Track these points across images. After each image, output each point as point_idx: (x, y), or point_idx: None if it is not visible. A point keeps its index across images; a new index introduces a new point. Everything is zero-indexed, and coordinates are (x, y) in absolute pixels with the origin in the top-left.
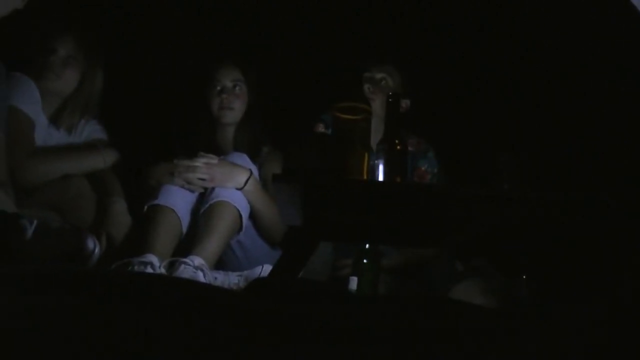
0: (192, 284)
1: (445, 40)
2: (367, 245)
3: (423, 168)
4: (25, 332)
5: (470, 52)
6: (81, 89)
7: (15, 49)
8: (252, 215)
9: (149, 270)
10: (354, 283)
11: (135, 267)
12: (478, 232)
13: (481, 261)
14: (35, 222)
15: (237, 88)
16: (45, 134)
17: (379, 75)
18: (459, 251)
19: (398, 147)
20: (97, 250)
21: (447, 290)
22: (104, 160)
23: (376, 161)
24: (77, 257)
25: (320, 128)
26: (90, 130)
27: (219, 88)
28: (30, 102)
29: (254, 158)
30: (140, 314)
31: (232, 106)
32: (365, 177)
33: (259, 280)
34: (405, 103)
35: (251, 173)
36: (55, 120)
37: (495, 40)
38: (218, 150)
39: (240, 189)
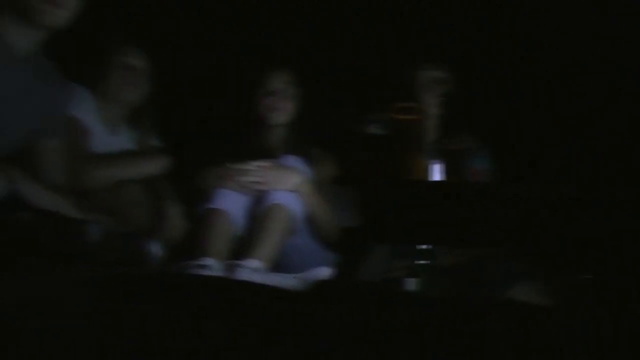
0: (261, 286)
1: (496, 36)
2: (422, 246)
3: (477, 166)
4: (96, 335)
5: (525, 45)
6: (149, 101)
7: (78, 59)
8: (306, 218)
9: (207, 273)
10: (411, 285)
11: (194, 270)
12: (536, 232)
13: (539, 261)
14: (99, 226)
15: (286, 90)
16: (102, 142)
17: (432, 74)
18: (516, 251)
19: (452, 147)
20: (158, 254)
21: (503, 291)
22: (157, 166)
23: (430, 161)
24: (139, 260)
25: (372, 129)
26: (145, 137)
27: (268, 90)
28: (87, 111)
29: (304, 160)
30: (208, 318)
31: (281, 108)
32: (421, 177)
33: (320, 283)
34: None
35: (304, 175)
36: (114, 128)
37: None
38: (270, 153)
39: (293, 192)
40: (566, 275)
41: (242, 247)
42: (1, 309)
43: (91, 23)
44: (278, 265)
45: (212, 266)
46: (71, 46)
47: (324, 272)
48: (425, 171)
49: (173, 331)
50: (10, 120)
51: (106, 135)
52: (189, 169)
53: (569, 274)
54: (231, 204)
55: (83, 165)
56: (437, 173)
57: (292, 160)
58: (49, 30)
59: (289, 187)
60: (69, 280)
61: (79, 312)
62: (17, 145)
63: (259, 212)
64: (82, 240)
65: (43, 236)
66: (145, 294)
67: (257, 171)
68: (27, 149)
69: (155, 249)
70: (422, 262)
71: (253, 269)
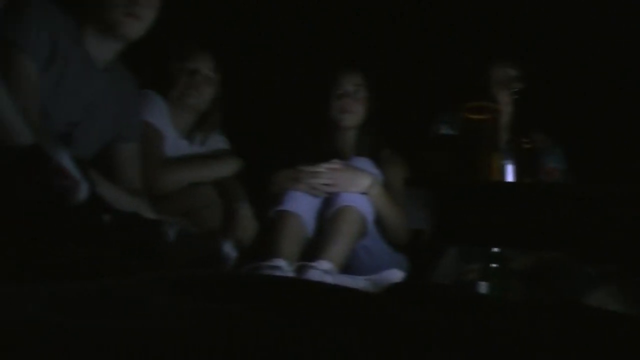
0: (344, 289)
1: (572, 31)
2: (495, 249)
3: (551, 165)
4: (178, 334)
5: (601, 41)
6: (216, 105)
7: (150, 67)
8: (377, 220)
9: (279, 274)
10: (483, 288)
11: (265, 271)
12: (614, 235)
13: (617, 266)
14: (176, 228)
15: (358, 92)
16: (174, 146)
17: (505, 72)
18: (593, 255)
19: (527, 146)
20: (233, 255)
21: (578, 297)
22: (229, 168)
23: (504, 161)
24: (215, 262)
25: (444, 129)
26: (215, 141)
27: (340, 92)
28: (160, 116)
29: (375, 162)
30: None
31: (353, 110)
32: (495, 178)
33: (392, 285)
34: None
35: (374, 177)
36: (188, 133)
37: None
38: (340, 155)
39: (364, 194)
40: None
41: (312, 249)
42: (85, 309)
43: (162, 30)
44: (348, 267)
45: (283, 267)
46: (144, 54)
47: (395, 275)
48: (499, 171)
49: (253, 331)
50: (90, 126)
51: (178, 139)
52: (260, 171)
53: None
54: (302, 205)
55: (157, 169)
56: (510, 173)
57: (363, 162)
58: (128, 41)
59: (359, 189)
60: (151, 280)
61: (162, 312)
62: (96, 150)
63: (330, 214)
64: (160, 241)
65: (124, 238)
66: (224, 294)
67: (327, 173)
68: (105, 153)
69: (230, 249)
70: (494, 265)
71: (324, 271)
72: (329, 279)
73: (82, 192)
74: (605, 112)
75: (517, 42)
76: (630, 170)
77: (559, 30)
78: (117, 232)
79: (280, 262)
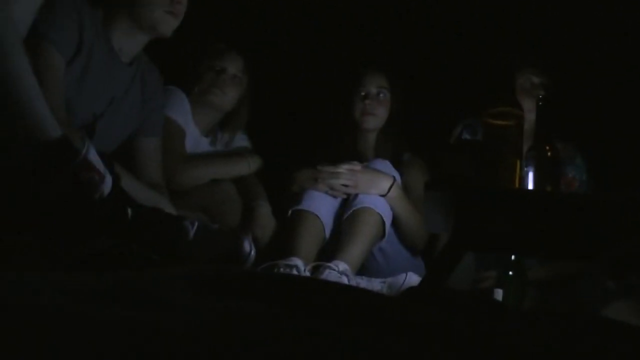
0: (360, 290)
1: (597, 40)
2: (512, 257)
3: (571, 175)
4: (199, 331)
5: (626, 51)
6: (242, 105)
7: (175, 62)
8: (395, 223)
9: (295, 273)
10: (499, 295)
11: (282, 270)
12: (634, 246)
13: (637, 279)
14: (196, 223)
15: (381, 95)
16: (195, 143)
17: (530, 79)
18: (612, 267)
19: (549, 154)
20: (252, 252)
21: (596, 309)
22: (249, 166)
23: (526, 168)
24: (234, 259)
25: (465, 134)
26: (237, 139)
27: (363, 94)
28: (182, 112)
29: (395, 165)
30: (306, 317)
31: (375, 112)
32: (516, 185)
33: (413, 289)
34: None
35: (394, 180)
36: (207, 130)
37: None
38: (360, 156)
39: (383, 196)
40: None
41: (330, 249)
42: (111, 303)
43: (188, 27)
44: (365, 269)
45: (299, 266)
46: (169, 49)
47: (412, 278)
48: (520, 178)
49: (274, 329)
50: (113, 119)
51: (200, 137)
52: (280, 170)
53: None
54: (320, 205)
55: (178, 165)
56: (531, 180)
57: (383, 164)
58: (163, 37)
59: (378, 191)
60: (170, 275)
61: (177, 307)
62: (118, 143)
63: (348, 215)
64: (182, 236)
65: (147, 232)
66: (245, 291)
67: (347, 174)
68: (127, 147)
69: (249, 247)
70: (511, 273)
71: (340, 272)
72: (345, 280)
73: (107, 185)
74: (628, 122)
75: (542, 49)
76: None
77: (583, 39)
78: (140, 227)
79: (297, 262)
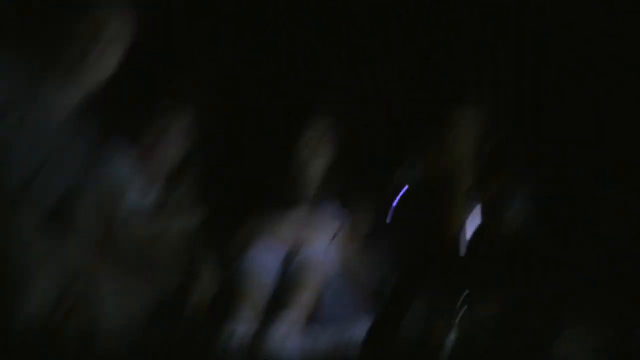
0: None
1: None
2: (462, 295)
3: (517, 209)
4: None
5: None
6: (180, 156)
7: (116, 115)
8: (343, 268)
9: (242, 329)
10: (452, 336)
11: (228, 327)
12: (583, 279)
13: (589, 311)
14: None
15: (326, 136)
16: (137, 198)
17: (463, 115)
18: (563, 299)
19: (490, 193)
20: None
21: (549, 342)
22: (192, 220)
23: (470, 207)
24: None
25: (410, 175)
26: (180, 193)
27: (308, 135)
28: (123, 167)
29: (342, 207)
30: None
31: (321, 153)
32: (459, 226)
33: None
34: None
35: (341, 225)
36: (151, 184)
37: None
38: (307, 202)
39: (330, 242)
40: (621, 327)
41: (277, 302)
42: None
43: (129, 77)
44: (315, 318)
45: (246, 322)
46: (109, 102)
47: (363, 325)
48: (464, 217)
49: None
50: (47, 181)
51: (143, 191)
52: (223, 222)
53: (625, 324)
54: (266, 257)
55: (119, 221)
56: (476, 218)
57: (329, 209)
58: (92, 86)
59: (325, 237)
60: None
61: None
62: (54, 203)
63: (294, 265)
64: None
65: None
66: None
67: (292, 223)
68: (65, 206)
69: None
70: (462, 311)
71: (289, 324)
72: (293, 332)
73: None
74: (571, 155)
75: (482, 85)
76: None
77: (523, 73)
78: None
79: (243, 317)
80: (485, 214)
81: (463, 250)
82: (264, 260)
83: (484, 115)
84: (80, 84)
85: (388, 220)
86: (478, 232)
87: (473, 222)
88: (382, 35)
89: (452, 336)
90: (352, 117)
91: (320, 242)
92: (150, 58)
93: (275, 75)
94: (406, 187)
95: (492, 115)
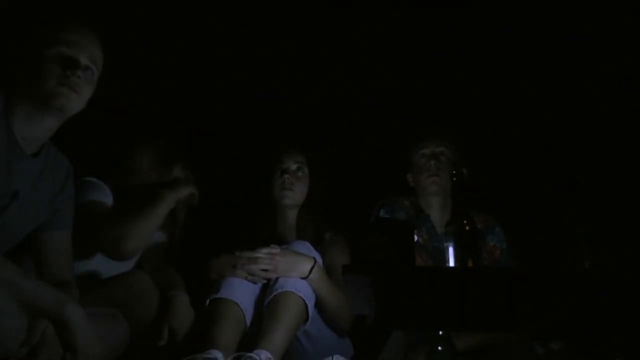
0: None
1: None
2: (440, 332)
3: (492, 243)
4: None
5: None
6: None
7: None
8: (318, 304)
9: None
10: None
11: None
12: (557, 314)
13: (562, 345)
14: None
15: (299, 172)
16: None
17: (438, 150)
18: (538, 333)
19: (467, 228)
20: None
21: None
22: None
23: (445, 244)
24: None
25: (382, 213)
26: None
27: (281, 169)
28: (105, 195)
29: (316, 244)
30: None
31: (294, 188)
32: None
33: None
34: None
35: (315, 261)
36: None
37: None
38: (280, 238)
39: (304, 278)
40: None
41: (251, 338)
42: None
43: (101, 113)
44: (290, 355)
45: (218, 359)
46: (83, 136)
47: None
48: (441, 254)
49: None
50: (18, 214)
51: None
52: (197, 257)
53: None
54: (240, 292)
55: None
56: (452, 255)
57: (303, 246)
58: (63, 117)
59: (299, 273)
60: None
61: None
62: (24, 237)
63: (269, 300)
64: None
65: None
66: None
67: (266, 258)
68: (34, 241)
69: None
70: (440, 347)
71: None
72: None
73: None
74: (541, 191)
75: (455, 123)
76: (574, 247)
77: (496, 108)
78: None
79: (217, 354)
80: (461, 251)
81: (439, 288)
82: (239, 294)
83: (456, 150)
84: (54, 114)
85: (362, 256)
86: (452, 271)
87: (449, 259)
88: None
89: None
90: (330, 155)
91: (294, 278)
92: None
93: (255, 112)
94: (378, 225)
95: (465, 155)
